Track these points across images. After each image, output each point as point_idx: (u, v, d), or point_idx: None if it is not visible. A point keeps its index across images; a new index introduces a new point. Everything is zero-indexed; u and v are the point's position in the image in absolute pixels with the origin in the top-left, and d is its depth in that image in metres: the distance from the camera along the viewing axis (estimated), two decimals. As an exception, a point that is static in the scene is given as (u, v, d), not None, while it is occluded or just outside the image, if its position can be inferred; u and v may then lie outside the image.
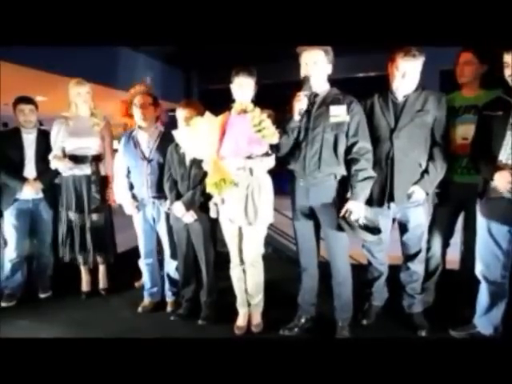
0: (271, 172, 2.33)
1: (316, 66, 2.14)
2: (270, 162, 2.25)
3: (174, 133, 2.31)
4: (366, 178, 2.10)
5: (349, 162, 2.15)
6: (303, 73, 2.16)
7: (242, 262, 2.42)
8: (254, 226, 2.28)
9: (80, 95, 2.84)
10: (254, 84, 2.29)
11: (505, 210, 1.99)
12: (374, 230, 2.13)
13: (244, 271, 2.43)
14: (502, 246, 2.07)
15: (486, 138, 2.03)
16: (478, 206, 2.14)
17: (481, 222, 2.12)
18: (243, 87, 2.25)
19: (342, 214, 2.10)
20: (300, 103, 2.10)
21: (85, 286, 3.07)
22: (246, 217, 2.24)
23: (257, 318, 2.48)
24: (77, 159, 2.83)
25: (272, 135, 2.10)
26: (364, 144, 2.13)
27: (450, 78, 2.52)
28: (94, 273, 3.10)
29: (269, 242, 2.49)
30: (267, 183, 2.32)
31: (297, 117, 2.13)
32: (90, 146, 2.85)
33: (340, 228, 2.15)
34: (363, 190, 2.10)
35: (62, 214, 2.94)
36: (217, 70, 2.34)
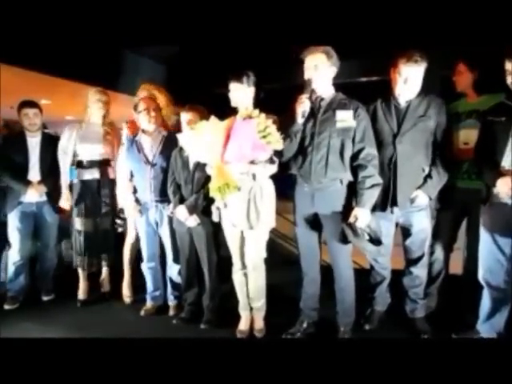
0: (274, 176, 2.34)
1: (317, 69, 2.14)
2: (273, 168, 2.25)
3: (179, 136, 2.32)
4: (373, 185, 2.10)
5: (355, 168, 2.15)
6: (306, 77, 2.16)
7: (243, 266, 2.42)
8: (255, 231, 2.28)
9: (99, 101, 2.85)
10: (248, 89, 2.27)
11: (508, 215, 1.99)
12: (375, 241, 2.14)
13: (246, 275, 2.43)
14: (505, 252, 2.06)
15: (489, 144, 2.03)
16: (481, 212, 2.14)
17: (484, 227, 2.12)
18: (233, 92, 2.26)
19: (349, 220, 2.10)
20: (302, 106, 2.11)
21: (81, 294, 3.02)
22: (248, 221, 2.25)
23: (259, 323, 2.47)
24: (87, 164, 2.86)
25: (277, 141, 2.11)
26: (370, 150, 2.13)
27: (451, 85, 2.54)
28: (92, 279, 3.09)
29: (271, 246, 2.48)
30: (269, 188, 2.32)
31: (300, 120, 2.13)
32: (101, 151, 2.87)
33: (344, 234, 2.14)
34: (371, 197, 2.11)
35: (72, 218, 2.95)
36: (222, 74, 2.34)
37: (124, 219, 2.95)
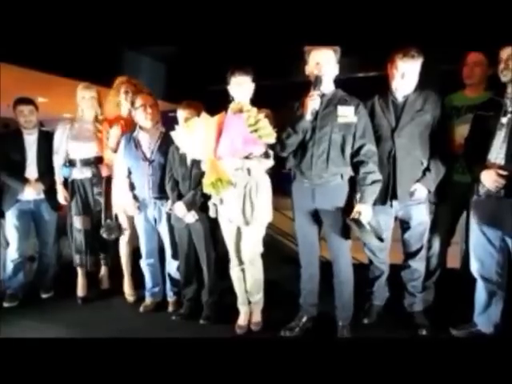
0: (272, 172, 2.34)
1: (329, 65, 2.14)
2: (269, 162, 2.25)
3: (172, 134, 2.31)
4: (374, 182, 2.12)
5: (355, 164, 2.16)
6: (313, 72, 2.14)
7: (241, 261, 2.43)
8: (252, 226, 2.28)
9: (84, 99, 2.83)
10: (252, 83, 2.29)
11: (494, 207, 2.02)
12: (376, 237, 2.15)
13: (243, 270, 2.44)
14: (495, 244, 2.09)
15: (478, 138, 2.06)
16: (470, 205, 2.17)
17: (472, 220, 2.15)
18: (241, 86, 2.25)
19: (352, 216, 2.10)
20: (313, 103, 2.09)
21: (81, 290, 3.02)
22: (244, 217, 2.25)
23: (257, 317, 2.48)
24: (80, 163, 2.85)
25: (268, 135, 2.10)
26: (371, 147, 2.15)
27: (450, 78, 2.54)
28: (91, 276, 3.09)
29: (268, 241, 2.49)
30: (265, 183, 2.32)
31: (309, 116, 2.12)
32: (93, 149, 2.85)
33: (345, 228, 2.16)
34: (372, 193, 2.12)
35: (69, 216, 2.94)
36: (217, 70, 2.34)
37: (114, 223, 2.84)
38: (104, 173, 2.86)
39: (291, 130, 2.14)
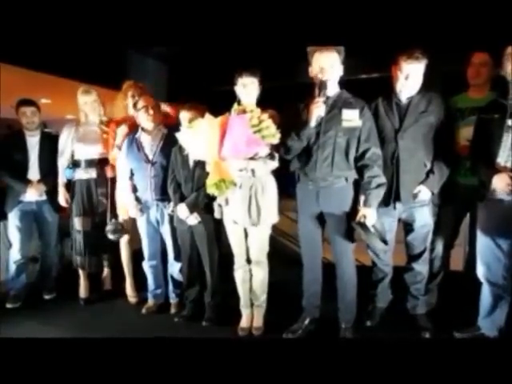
0: (275, 174, 2.34)
1: (333, 68, 2.13)
2: (274, 163, 2.25)
3: (177, 135, 2.32)
4: (379, 185, 2.11)
5: (360, 168, 2.15)
6: (317, 76, 2.12)
7: (246, 262, 2.43)
8: (258, 227, 2.28)
9: (87, 104, 2.85)
10: (259, 84, 2.29)
11: (504, 211, 2.00)
12: (381, 240, 2.14)
13: (248, 272, 2.44)
14: (503, 248, 2.07)
15: (484, 141, 2.05)
16: (478, 209, 2.15)
17: (481, 223, 2.13)
18: (247, 87, 2.25)
19: (357, 219, 2.10)
20: (318, 110, 2.08)
21: (83, 292, 3.03)
22: (250, 218, 2.25)
23: (259, 321, 2.47)
24: (85, 163, 2.85)
25: (272, 136, 2.10)
26: (376, 150, 2.13)
27: (452, 80, 2.53)
28: (93, 278, 3.09)
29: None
30: (271, 183, 2.32)
31: (313, 123, 2.10)
32: (98, 151, 2.85)
33: (349, 230, 2.16)
34: (377, 196, 2.11)
35: (71, 217, 2.94)
36: (221, 71, 2.34)
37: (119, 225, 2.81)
38: (109, 174, 2.86)
39: (295, 136, 2.12)
